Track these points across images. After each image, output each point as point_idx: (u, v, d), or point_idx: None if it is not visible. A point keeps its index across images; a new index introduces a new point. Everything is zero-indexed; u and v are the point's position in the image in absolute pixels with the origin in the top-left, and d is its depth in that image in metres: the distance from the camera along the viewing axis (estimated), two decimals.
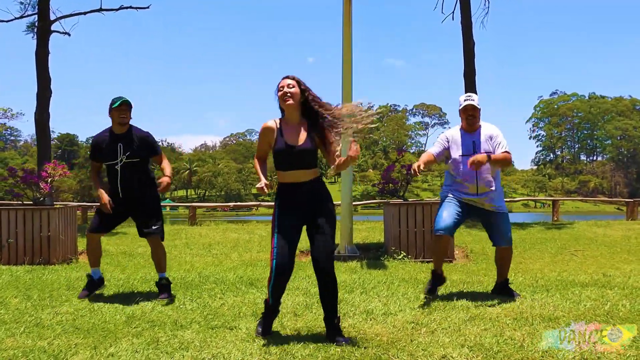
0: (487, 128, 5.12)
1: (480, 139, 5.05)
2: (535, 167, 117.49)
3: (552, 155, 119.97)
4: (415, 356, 3.40)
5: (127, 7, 14.15)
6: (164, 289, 5.37)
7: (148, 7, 14.54)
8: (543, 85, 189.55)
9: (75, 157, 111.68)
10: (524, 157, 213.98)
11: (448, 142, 5.16)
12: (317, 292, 5.40)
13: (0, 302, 5.10)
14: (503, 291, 5.21)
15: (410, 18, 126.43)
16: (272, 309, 3.96)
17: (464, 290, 5.53)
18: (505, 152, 4.99)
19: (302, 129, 3.83)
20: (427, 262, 7.97)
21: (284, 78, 3.87)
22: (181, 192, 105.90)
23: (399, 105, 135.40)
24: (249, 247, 9.96)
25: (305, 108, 3.85)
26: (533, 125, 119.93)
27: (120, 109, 5.17)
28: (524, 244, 9.47)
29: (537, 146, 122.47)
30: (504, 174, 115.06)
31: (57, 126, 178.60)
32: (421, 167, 4.92)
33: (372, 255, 8.56)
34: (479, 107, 5.05)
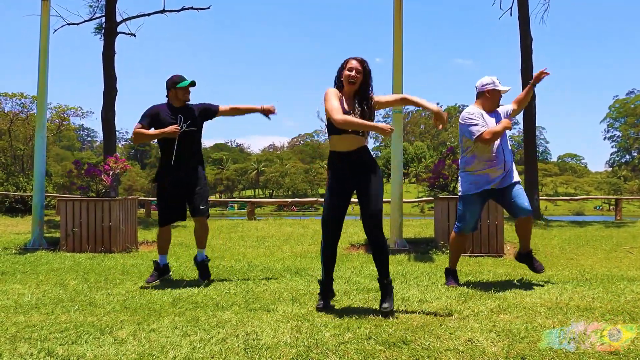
0: (500, 107, 5.50)
1: (501, 118, 5.39)
2: (610, 168, 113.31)
3: (628, 157, 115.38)
4: (441, 339, 3.46)
5: (188, 8, 14.68)
6: (205, 269, 5.82)
7: (209, 8, 15.04)
8: (619, 85, 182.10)
9: (148, 157, 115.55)
10: (598, 158, 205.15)
11: (483, 119, 5.30)
12: (357, 281, 5.56)
13: (60, 284, 5.47)
14: (526, 259, 5.45)
15: (477, 17, 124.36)
16: (324, 286, 4.28)
17: (505, 282, 5.53)
18: None
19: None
20: (475, 256, 7.95)
21: (354, 59, 4.08)
22: (249, 192, 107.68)
23: (467, 106, 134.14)
24: (302, 240, 10.15)
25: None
26: (608, 126, 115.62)
27: (187, 89, 5.56)
28: (578, 241, 9.26)
29: (612, 147, 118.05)
30: (576, 176, 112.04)
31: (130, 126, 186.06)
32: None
33: (422, 249, 8.59)
34: None
